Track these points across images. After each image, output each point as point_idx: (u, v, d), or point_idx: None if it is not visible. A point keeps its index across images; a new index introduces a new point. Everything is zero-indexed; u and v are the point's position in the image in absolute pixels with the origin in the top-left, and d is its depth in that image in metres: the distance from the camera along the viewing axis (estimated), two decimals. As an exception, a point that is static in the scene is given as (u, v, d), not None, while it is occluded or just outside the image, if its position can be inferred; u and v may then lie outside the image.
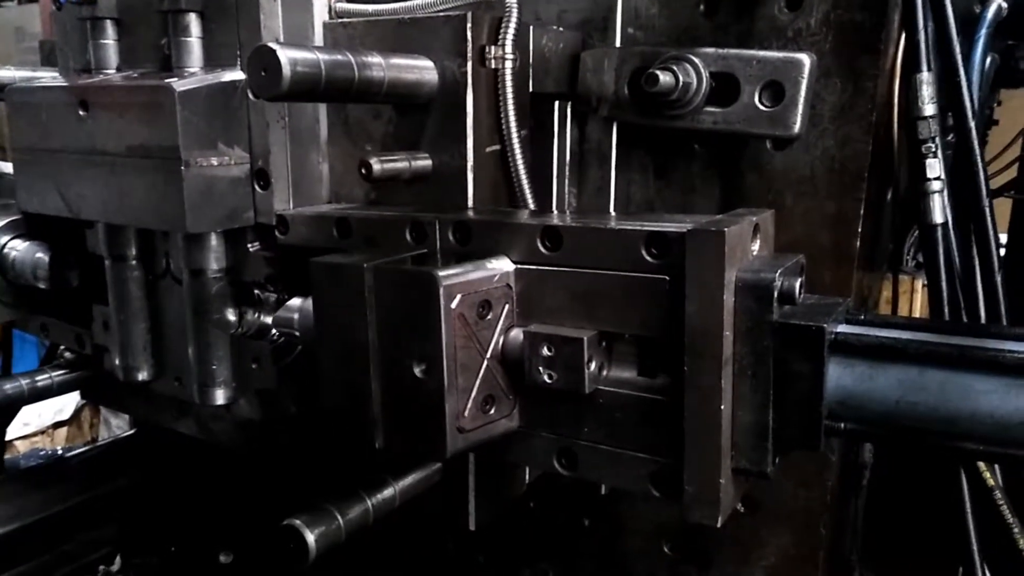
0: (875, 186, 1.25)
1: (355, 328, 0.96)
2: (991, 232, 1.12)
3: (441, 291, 0.89)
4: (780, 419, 0.84)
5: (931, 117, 1.12)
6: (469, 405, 0.93)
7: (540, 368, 0.92)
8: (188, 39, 1.17)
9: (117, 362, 1.37)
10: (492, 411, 0.96)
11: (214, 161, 1.11)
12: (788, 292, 0.82)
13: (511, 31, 1.11)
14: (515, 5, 1.11)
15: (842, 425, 0.82)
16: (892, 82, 1.20)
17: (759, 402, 0.84)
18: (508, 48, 1.11)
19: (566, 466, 0.99)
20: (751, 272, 0.83)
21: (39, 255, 1.41)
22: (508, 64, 1.12)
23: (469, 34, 1.07)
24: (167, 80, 1.07)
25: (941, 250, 1.15)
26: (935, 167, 1.12)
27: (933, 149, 1.12)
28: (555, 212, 1.19)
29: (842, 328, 0.83)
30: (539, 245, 0.95)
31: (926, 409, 0.77)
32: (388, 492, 1.13)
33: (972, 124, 1.10)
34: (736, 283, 0.83)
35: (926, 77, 1.11)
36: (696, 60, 1.17)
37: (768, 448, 0.85)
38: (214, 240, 1.21)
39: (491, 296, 0.94)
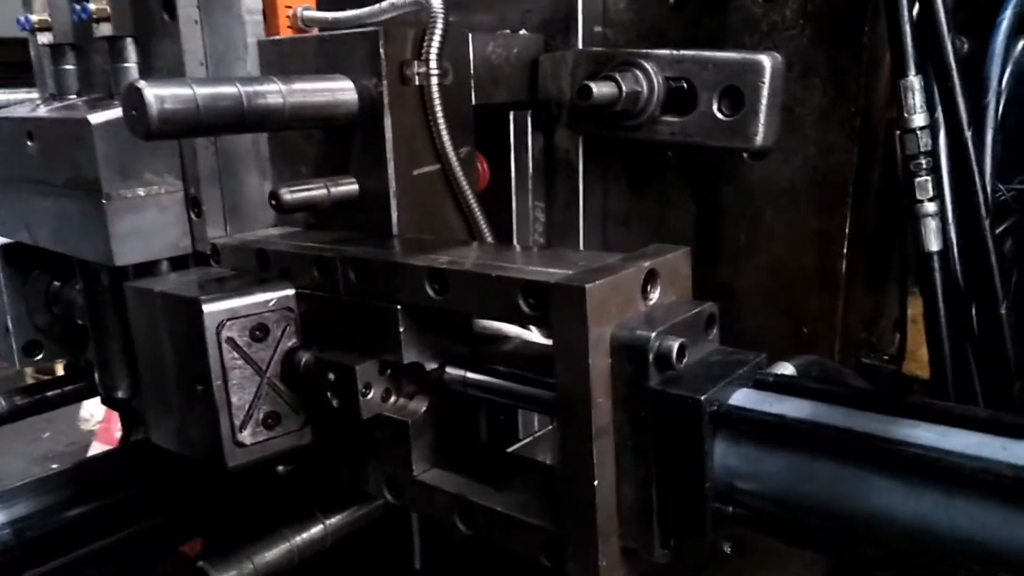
0: (867, 199, 1.08)
1: (156, 346, 1.02)
2: (992, 259, 0.94)
3: (204, 317, 0.92)
4: (664, 498, 0.73)
5: (921, 128, 0.93)
6: (249, 422, 0.97)
7: (328, 392, 0.94)
8: (127, 65, 1.15)
9: (97, 379, 1.40)
10: (277, 427, 0.99)
11: (140, 192, 1.09)
12: (665, 354, 0.70)
13: (435, 44, 1.02)
14: (440, 15, 1.02)
15: (730, 509, 0.70)
16: (880, 80, 1.03)
17: (641, 478, 0.74)
18: (433, 63, 1.03)
19: (467, 525, 0.92)
20: (627, 330, 0.72)
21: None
22: (435, 80, 1.04)
23: (382, 51, 0.99)
24: (85, 114, 1.05)
25: (939, 280, 0.98)
26: (927, 187, 0.94)
27: (924, 166, 0.94)
28: (471, 244, 1.09)
29: (735, 399, 0.71)
30: (427, 288, 0.87)
31: (817, 503, 0.64)
32: (316, 530, 1.09)
33: (968, 136, 0.92)
34: (611, 342, 0.72)
35: (914, 82, 0.93)
36: (648, 65, 1.05)
37: (654, 530, 0.74)
38: (164, 266, 1.20)
39: (267, 320, 0.97)
